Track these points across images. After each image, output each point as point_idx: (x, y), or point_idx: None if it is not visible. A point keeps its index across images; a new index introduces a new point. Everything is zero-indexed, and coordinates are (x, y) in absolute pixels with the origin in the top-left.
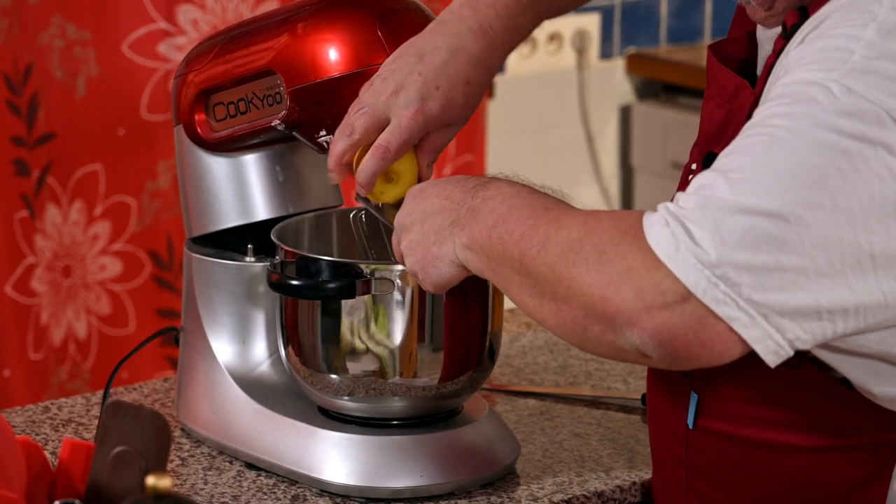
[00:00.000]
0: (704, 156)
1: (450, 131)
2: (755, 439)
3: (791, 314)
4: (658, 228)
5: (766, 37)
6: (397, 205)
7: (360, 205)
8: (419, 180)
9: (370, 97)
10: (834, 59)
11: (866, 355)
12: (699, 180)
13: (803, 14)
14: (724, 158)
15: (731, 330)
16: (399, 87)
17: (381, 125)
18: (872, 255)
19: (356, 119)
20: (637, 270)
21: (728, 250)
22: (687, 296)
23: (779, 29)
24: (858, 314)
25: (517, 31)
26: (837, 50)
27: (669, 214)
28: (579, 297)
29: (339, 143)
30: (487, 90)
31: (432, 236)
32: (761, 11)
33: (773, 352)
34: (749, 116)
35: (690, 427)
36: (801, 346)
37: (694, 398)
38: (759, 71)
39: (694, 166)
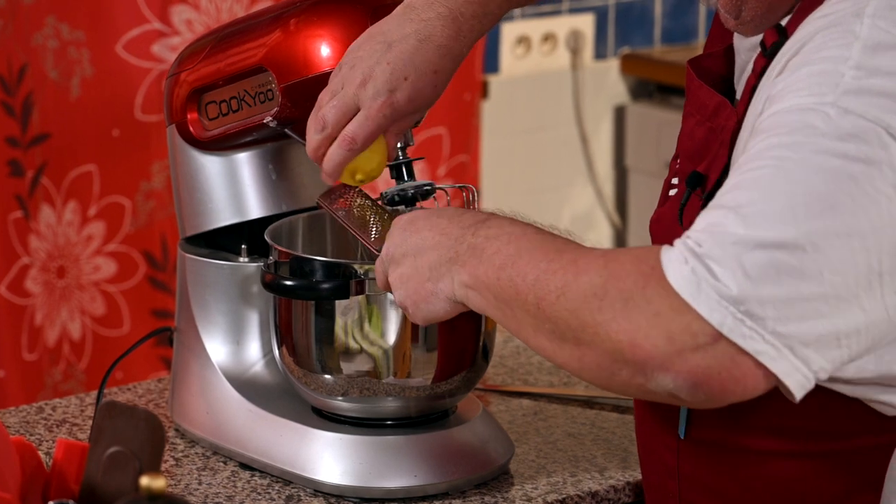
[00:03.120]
0: (688, 175)
1: (416, 115)
2: (747, 447)
3: (815, 344)
4: (678, 267)
5: (743, 47)
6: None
7: (321, 207)
8: (388, 160)
9: (337, 85)
10: (825, 83)
11: (869, 381)
12: (707, 219)
13: (782, 32)
14: (730, 194)
15: (760, 364)
16: (367, 77)
17: (351, 116)
18: (881, 273)
19: (327, 112)
20: (665, 314)
21: (750, 285)
22: (717, 336)
23: (756, 40)
24: (868, 333)
25: (486, 17)
26: (826, 74)
27: (688, 251)
28: (606, 343)
29: (313, 137)
30: (481, 90)
31: (427, 272)
32: (731, 19)
33: (800, 385)
34: (734, 137)
35: (682, 437)
36: (823, 377)
37: (684, 408)
38: (736, 82)
39: (675, 181)
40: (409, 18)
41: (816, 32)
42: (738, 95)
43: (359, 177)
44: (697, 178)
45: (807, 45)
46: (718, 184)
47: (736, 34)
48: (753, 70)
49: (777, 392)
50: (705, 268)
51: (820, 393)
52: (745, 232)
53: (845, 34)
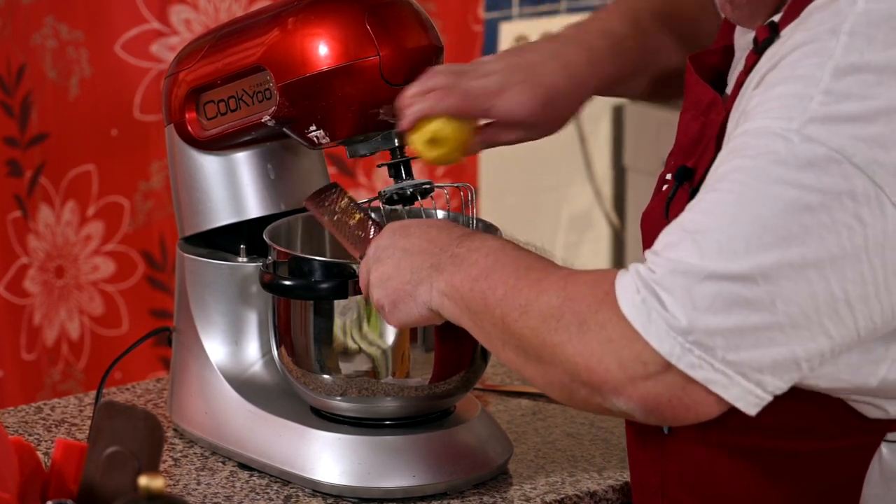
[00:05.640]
0: (677, 169)
1: (513, 133)
2: (730, 445)
3: (769, 369)
4: (630, 295)
5: (740, 45)
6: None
7: (310, 212)
8: (464, 152)
9: (458, 66)
10: (793, 106)
11: (846, 390)
12: (666, 237)
13: (774, 29)
14: (690, 214)
15: (711, 392)
16: (489, 72)
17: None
18: (848, 301)
19: (436, 77)
20: (617, 341)
21: (698, 316)
22: (667, 365)
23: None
24: (833, 353)
25: (622, 55)
26: (796, 97)
27: (640, 281)
28: (564, 364)
29: (414, 85)
30: None
31: (408, 274)
32: (727, 5)
33: (754, 405)
34: (720, 134)
35: (666, 433)
36: (780, 392)
37: None
38: (729, 78)
39: (669, 176)
40: (546, 40)
41: (795, 47)
42: (729, 91)
43: (435, 152)
44: (686, 172)
45: (784, 59)
46: (704, 178)
47: (737, 31)
48: (745, 66)
49: None
50: (655, 297)
51: (802, 394)
52: (698, 262)
53: (820, 52)
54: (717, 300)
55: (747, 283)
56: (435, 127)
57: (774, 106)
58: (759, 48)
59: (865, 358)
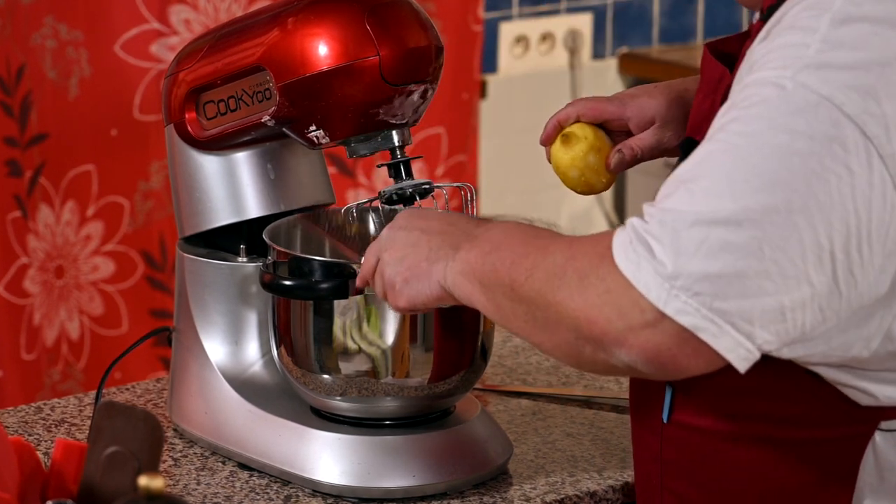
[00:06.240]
0: (682, 141)
1: (648, 138)
2: (727, 432)
3: (759, 319)
4: (622, 248)
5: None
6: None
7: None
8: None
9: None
10: (790, 55)
11: (837, 364)
12: (663, 189)
13: None
14: (686, 166)
15: (702, 342)
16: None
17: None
18: (832, 251)
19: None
20: (615, 291)
21: (684, 261)
22: (661, 314)
23: None
24: (816, 306)
25: None
26: (794, 46)
27: (634, 232)
28: (567, 320)
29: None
30: (479, 90)
31: (426, 251)
32: None
33: (743, 358)
34: (724, 98)
35: (665, 421)
36: (768, 349)
37: (669, 392)
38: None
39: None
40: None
41: (798, 2)
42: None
43: (569, 153)
44: (690, 143)
45: (788, 13)
46: None
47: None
48: (751, 35)
49: (757, 378)
50: (645, 246)
51: (796, 379)
52: (688, 208)
53: (820, 5)
54: (704, 245)
55: (733, 227)
56: (569, 128)
57: (774, 57)
58: (765, 16)
59: (858, 334)
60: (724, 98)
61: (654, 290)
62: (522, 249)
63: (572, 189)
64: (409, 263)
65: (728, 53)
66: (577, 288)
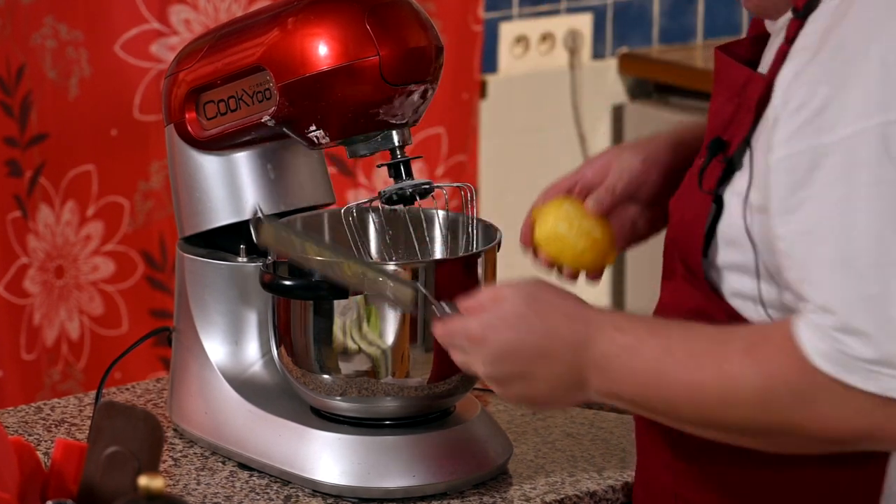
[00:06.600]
0: (711, 141)
1: (636, 204)
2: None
3: None
4: (820, 351)
5: (777, 27)
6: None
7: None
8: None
9: None
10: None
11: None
12: (820, 276)
13: None
14: (825, 239)
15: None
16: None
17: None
18: None
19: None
20: (842, 397)
21: (889, 346)
22: (887, 399)
23: (790, 16)
24: None
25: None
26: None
27: (822, 331)
28: (799, 431)
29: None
30: (479, 90)
31: (547, 393)
32: (749, 0)
33: None
34: (759, 105)
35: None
36: None
37: None
38: (763, 60)
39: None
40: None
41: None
42: (765, 70)
43: (559, 242)
44: (719, 143)
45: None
46: (740, 148)
47: (767, 22)
48: (786, 37)
49: None
50: (840, 342)
51: None
52: (876, 290)
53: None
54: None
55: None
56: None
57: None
58: (801, 13)
59: None
60: (761, 101)
61: (871, 383)
62: (695, 375)
63: (578, 267)
64: (528, 402)
65: (740, 57)
66: (799, 405)
